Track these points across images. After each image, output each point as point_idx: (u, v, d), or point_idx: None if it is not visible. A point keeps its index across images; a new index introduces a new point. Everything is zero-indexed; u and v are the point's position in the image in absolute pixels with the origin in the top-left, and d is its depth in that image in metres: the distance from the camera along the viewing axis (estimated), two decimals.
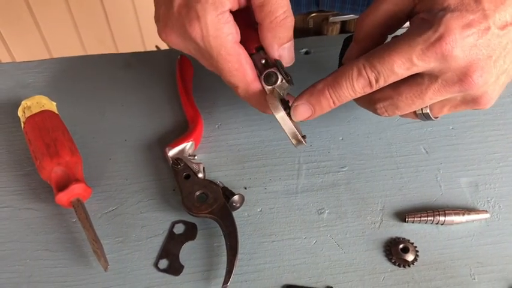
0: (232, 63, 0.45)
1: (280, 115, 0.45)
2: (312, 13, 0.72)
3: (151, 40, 1.76)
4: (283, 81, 0.45)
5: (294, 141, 0.47)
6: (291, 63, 0.47)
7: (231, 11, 0.44)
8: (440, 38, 0.39)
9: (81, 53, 1.53)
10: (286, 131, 0.46)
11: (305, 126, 0.59)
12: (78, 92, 0.64)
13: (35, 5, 1.58)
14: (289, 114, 0.46)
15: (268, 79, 0.46)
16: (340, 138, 0.59)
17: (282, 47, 0.45)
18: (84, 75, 0.67)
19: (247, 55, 0.46)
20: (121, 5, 1.65)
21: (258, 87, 0.47)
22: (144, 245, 0.51)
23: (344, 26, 0.76)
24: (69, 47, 1.71)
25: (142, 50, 0.77)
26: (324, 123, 0.60)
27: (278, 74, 0.45)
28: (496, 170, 0.56)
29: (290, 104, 0.46)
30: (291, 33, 0.45)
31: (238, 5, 0.44)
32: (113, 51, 1.77)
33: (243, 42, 0.45)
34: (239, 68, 0.45)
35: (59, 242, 0.52)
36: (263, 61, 0.46)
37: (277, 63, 0.46)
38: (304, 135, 0.47)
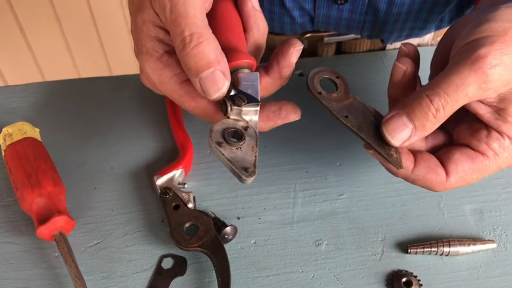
0: (188, 103, 0.43)
1: (213, 146, 0.40)
2: (307, 33, 0.71)
3: None
4: (233, 107, 0.41)
5: (241, 175, 0.39)
6: (217, 96, 0.40)
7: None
8: None
9: (75, 76, 1.51)
10: (229, 166, 0.40)
11: (300, 151, 0.57)
12: (64, 118, 0.62)
13: (27, 28, 1.57)
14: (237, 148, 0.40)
15: (221, 109, 0.42)
16: (338, 163, 0.56)
17: (200, 78, 0.39)
18: (70, 100, 0.64)
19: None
20: (114, 26, 1.64)
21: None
22: (130, 281, 0.48)
23: (339, 47, 0.74)
24: (62, 70, 1.70)
25: (136, 72, 0.75)
26: (320, 148, 0.58)
27: (226, 100, 0.41)
28: (502, 196, 0.54)
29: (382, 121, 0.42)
30: (203, 61, 0.38)
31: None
32: (106, 73, 1.75)
33: None
34: (196, 106, 0.43)
35: (40, 278, 0.49)
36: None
37: (231, 88, 0.41)
38: (247, 168, 0.39)
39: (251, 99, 0.41)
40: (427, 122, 0.39)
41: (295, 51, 0.42)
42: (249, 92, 0.41)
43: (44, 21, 1.56)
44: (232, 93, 0.41)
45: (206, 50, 0.38)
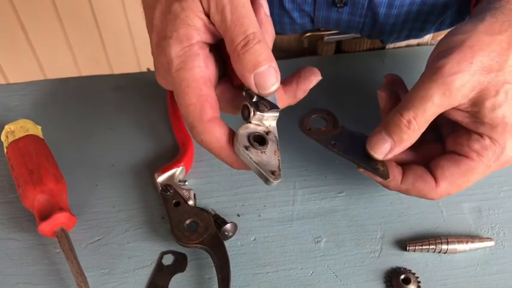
0: (188, 97, 0.41)
1: (240, 150, 0.40)
2: (307, 32, 0.71)
3: (146, 61, 1.74)
4: (257, 112, 0.42)
5: (269, 178, 0.40)
6: (272, 90, 0.41)
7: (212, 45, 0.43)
8: None
9: (76, 74, 1.51)
10: (256, 169, 0.41)
11: (300, 150, 0.58)
12: (65, 115, 0.62)
13: (29, 27, 1.57)
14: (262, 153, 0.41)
15: (243, 114, 0.43)
16: (337, 162, 0.57)
17: (256, 73, 0.40)
18: (71, 98, 0.64)
19: (213, 95, 0.42)
20: (116, 26, 1.64)
21: (215, 132, 0.41)
22: (131, 277, 0.49)
23: (339, 46, 0.75)
24: (63, 69, 1.70)
25: (137, 70, 0.76)
26: (320, 147, 0.58)
27: (249, 105, 0.42)
28: (500, 195, 0.54)
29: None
30: (262, 57, 0.40)
31: (212, 39, 0.43)
32: (107, 71, 1.76)
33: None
34: (195, 103, 0.40)
35: (41, 274, 0.49)
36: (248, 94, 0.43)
37: (254, 94, 0.42)
38: (274, 171, 0.41)
39: (273, 106, 0.43)
40: (403, 134, 0.44)
41: (315, 80, 0.46)
42: (268, 99, 0.43)
43: (45, 19, 1.57)
44: (255, 99, 0.42)
45: (264, 48, 0.40)
